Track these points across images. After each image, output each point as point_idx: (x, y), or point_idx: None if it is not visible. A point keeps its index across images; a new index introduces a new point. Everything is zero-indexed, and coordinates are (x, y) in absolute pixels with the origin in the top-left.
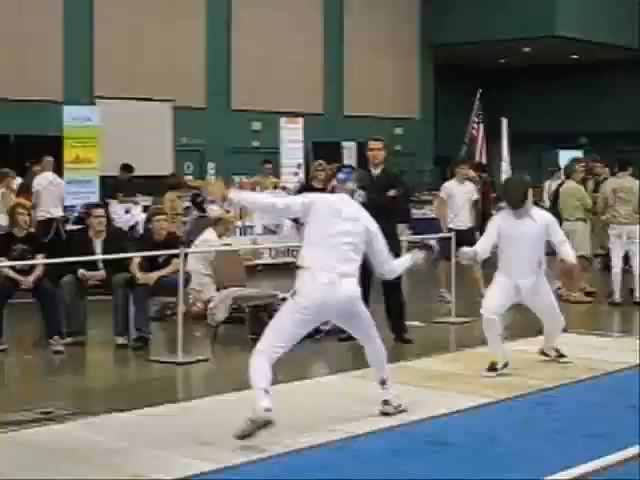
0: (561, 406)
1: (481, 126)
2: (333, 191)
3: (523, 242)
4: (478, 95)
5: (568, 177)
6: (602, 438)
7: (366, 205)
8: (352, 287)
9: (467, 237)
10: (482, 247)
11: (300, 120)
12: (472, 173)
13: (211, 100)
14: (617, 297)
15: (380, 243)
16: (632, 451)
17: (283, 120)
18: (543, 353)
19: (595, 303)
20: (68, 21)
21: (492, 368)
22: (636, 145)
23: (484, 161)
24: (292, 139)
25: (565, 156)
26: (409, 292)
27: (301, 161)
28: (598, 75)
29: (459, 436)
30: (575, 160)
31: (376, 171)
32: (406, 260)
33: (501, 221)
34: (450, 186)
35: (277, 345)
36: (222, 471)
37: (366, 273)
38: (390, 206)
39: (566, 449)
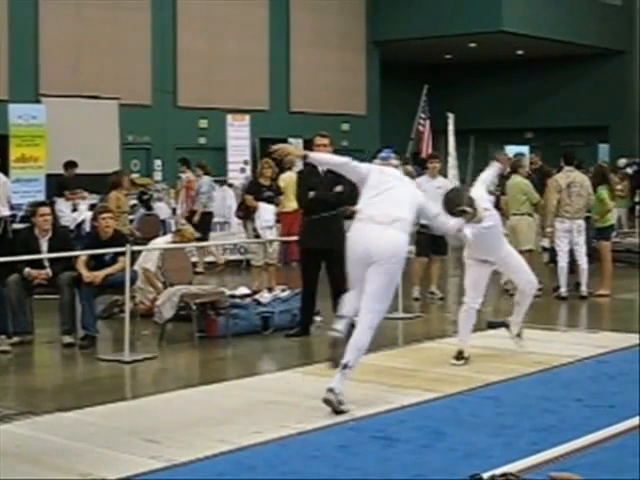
0: (508, 400)
1: (427, 122)
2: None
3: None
4: (425, 91)
5: (514, 172)
6: (548, 432)
7: (313, 201)
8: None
9: None
10: None
11: (246, 117)
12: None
13: (157, 97)
14: (564, 291)
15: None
16: (578, 443)
17: (229, 117)
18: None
19: (542, 297)
20: (13, 19)
21: (460, 357)
22: (580, 140)
23: None
24: (238, 136)
25: (511, 151)
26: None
27: (248, 158)
28: (543, 70)
29: (407, 431)
30: (520, 155)
31: (323, 167)
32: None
33: None
34: (421, 181)
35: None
36: (170, 469)
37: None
38: (337, 202)
39: (513, 443)
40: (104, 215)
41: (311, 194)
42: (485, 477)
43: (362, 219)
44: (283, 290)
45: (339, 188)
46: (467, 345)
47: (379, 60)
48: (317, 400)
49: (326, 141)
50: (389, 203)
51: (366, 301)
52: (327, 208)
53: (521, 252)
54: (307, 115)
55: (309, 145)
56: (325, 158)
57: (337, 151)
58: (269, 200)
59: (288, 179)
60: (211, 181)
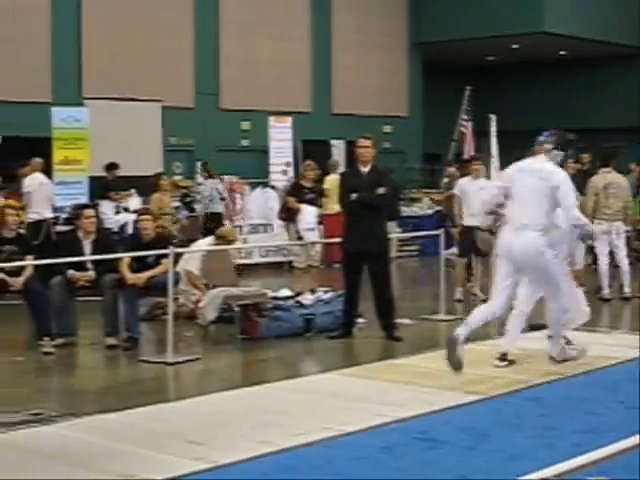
0: (551, 402)
1: (469, 123)
2: None
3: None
4: (467, 92)
5: None
6: (591, 433)
7: (355, 203)
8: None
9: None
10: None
11: (288, 119)
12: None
13: (199, 100)
14: (606, 293)
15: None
16: (621, 445)
17: (271, 119)
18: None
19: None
20: (56, 22)
21: (504, 358)
22: (623, 141)
23: None
24: (280, 138)
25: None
26: (398, 290)
27: (290, 160)
28: (586, 71)
29: (451, 433)
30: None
31: (365, 169)
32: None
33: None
34: (464, 183)
35: None
36: (214, 470)
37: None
38: (379, 204)
39: (555, 445)
40: (142, 217)
41: (353, 196)
42: None
43: None
44: (325, 292)
45: (381, 190)
46: (512, 348)
47: (421, 61)
48: (360, 402)
49: (369, 143)
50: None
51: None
52: (369, 210)
53: None
54: (349, 117)
55: (351, 146)
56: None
57: (379, 153)
58: (311, 202)
59: (333, 181)
60: (216, 184)
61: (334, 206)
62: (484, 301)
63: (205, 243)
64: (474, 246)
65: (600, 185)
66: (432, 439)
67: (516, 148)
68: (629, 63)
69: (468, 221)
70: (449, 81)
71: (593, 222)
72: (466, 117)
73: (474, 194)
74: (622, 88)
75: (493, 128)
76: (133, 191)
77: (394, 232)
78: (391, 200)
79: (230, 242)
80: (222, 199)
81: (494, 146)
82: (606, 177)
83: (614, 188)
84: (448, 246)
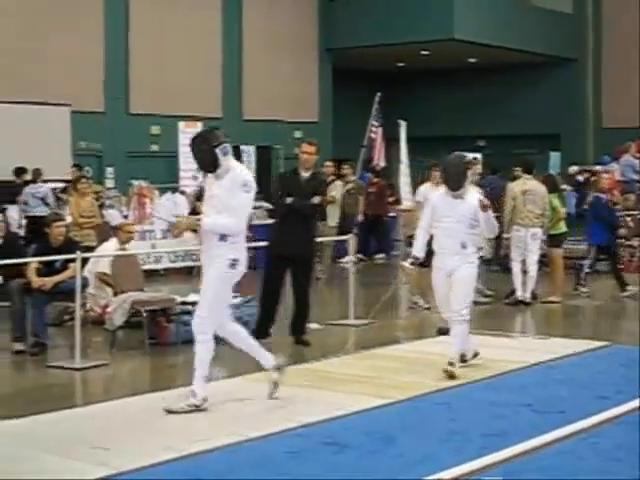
0: (458, 406)
1: (380, 129)
2: None
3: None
4: (377, 98)
5: None
6: (498, 437)
7: (289, 207)
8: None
9: None
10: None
11: (199, 124)
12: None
13: (109, 104)
14: (520, 295)
15: None
16: (523, 447)
17: (182, 124)
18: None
19: (492, 304)
20: None
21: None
22: (532, 148)
23: (382, 164)
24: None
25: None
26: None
27: None
28: (497, 78)
29: (357, 437)
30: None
31: (305, 174)
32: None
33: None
34: (426, 190)
35: None
36: (118, 476)
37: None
38: (311, 213)
39: (462, 448)
40: (58, 223)
41: (288, 200)
42: None
43: None
44: (234, 297)
45: (316, 199)
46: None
47: (332, 67)
48: (267, 406)
49: (313, 149)
50: None
51: None
52: (301, 217)
53: None
54: (260, 122)
55: (263, 153)
56: None
57: (290, 159)
58: None
59: None
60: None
61: None
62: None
63: (110, 246)
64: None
65: (518, 191)
66: (338, 443)
67: (426, 154)
68: (541, 71)
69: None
70: (360, 87)
71: (511, 228)
72: (376, 123)
73: None
74: (534, 95)
75: (403, 134)
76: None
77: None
78: (322, 211)
79: (128, 234)
80: (46, 204)
81: (404, 152)
82: (525, 183)
83: (532, 194)
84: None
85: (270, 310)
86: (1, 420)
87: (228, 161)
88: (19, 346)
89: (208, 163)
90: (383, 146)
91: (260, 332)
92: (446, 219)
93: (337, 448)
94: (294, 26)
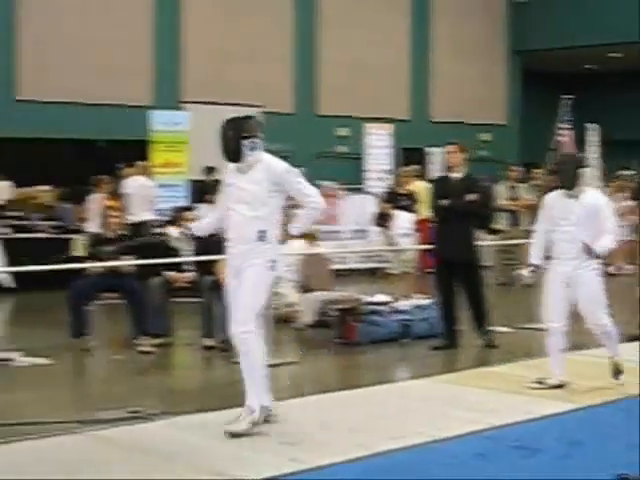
0: None
1: (569, 132)
2: None
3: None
4: (566, 101)
5: None
6: None
7: (446, 209)
8: None
9: None
10: (536, 253)
11: (387, 126)
12: None
13: (299, 105)
14: None
15: None
16: None
17: (368, 126)
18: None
19: None
20: (157, 27)
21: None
22: None
23: None
24: (378, 145)
25: None
26: (496, 298)
27: (389, 167)
28: None
29: (546, 441)
30: None
31: (456, 175)
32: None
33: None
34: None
35: None
36: (307, 472)
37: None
38: (467, 210)
39: None
40: None
41: (443, 202)
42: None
43: None
44: (423, 298)
45: (471, 196)
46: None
47: (520, 69)
48: (454, 408)
49: (454, 148)
50: None
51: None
52: (459, 217)
53: None
54: (448, 124)
55: None
56: None
57: (476, 160)
58: (406, 208)
59: (421, 186)
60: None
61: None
62: None
63: (298, 246)
64: None
65: None
66: (527, 447)
67: (617, 158)
68: None
69: None
70: (549, 89)
71: None
72: (564, 126)
73: None
74: None
75: (592, 138)
76: None
77: (487, 240)
78: (481, 208)
79: (313, 241)
80: None
81: (593, 156)
82: None
83: None
84: None
85: (449, 316)
86: (190, 414)
87: (256, 156)
88: (209, 342)
89: (229, 151)
90: (574, 149)
91: (452, 342)
92: (563, 222)
93: (526, 452)
94: (482, 28)
